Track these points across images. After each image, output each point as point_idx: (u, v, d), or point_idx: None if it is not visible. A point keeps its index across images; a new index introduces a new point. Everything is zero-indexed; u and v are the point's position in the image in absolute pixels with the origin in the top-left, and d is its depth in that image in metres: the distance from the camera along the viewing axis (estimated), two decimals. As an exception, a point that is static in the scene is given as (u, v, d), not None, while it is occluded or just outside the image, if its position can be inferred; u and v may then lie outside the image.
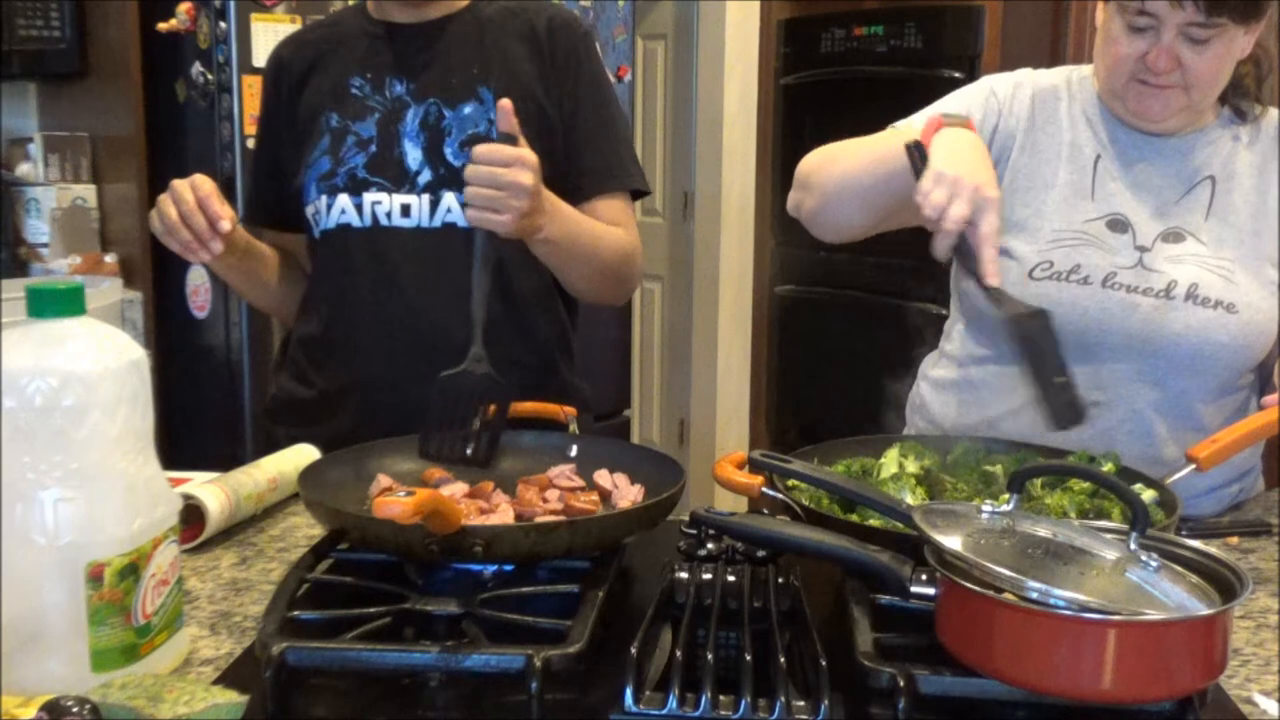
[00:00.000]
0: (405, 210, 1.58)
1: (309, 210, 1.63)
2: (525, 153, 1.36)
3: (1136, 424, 1.47)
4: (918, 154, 1.29)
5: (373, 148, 1.59)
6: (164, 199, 1.45)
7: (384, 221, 1.58)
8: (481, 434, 1.34)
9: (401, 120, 1.59)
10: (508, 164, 1.34)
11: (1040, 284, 1.47)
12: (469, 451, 1.34)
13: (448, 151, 1.58)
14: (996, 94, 1.57)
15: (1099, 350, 1.47)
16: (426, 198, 1.58)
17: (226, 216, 1.44)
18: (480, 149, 1.35)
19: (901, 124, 1.53)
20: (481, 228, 1.35)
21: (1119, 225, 1.49)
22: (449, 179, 1.57)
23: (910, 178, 1.28)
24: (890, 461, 1.31)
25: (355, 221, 1.59)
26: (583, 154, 1.63)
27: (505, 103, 1.36)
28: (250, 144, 2.30)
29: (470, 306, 1.36)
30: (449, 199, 1.57)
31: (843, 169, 1.49)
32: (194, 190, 1.43)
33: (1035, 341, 1.22)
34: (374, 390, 1.61)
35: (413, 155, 1.58)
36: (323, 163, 1.60)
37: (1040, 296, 1.46)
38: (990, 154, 1.53)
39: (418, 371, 1.57)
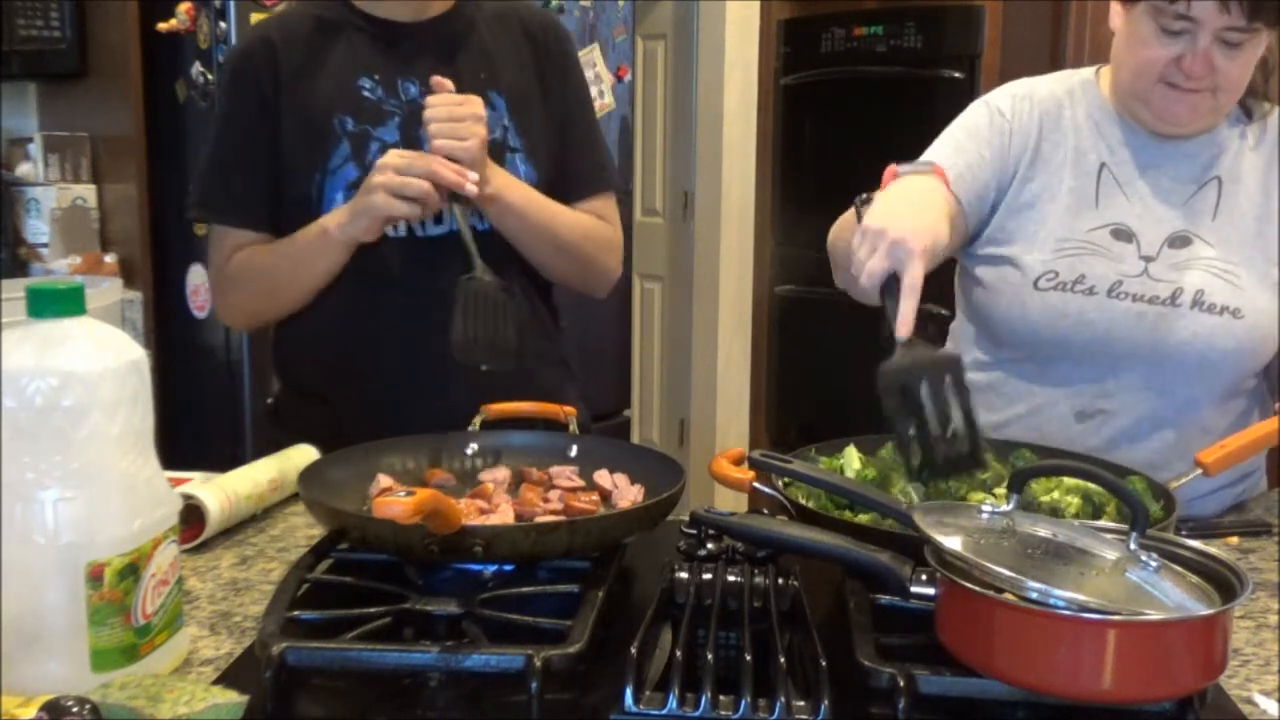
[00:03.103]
0: (438, 217, 1.56)
1: None
2: (470, 95, 1.50)
3: (1144, 432, 1.47)
4: (862, 209, 1.29)
5: None
6: (389, 169, 1.45)
7: (419, 231, 1.56)
8: (507, 331, 1.44)
9: (421, 124, 1.55)
10: (459, 102, 1.48)
11: (1045, 294, 1.47)
12: (503, 349, 1.44)
13: None
14: (1003, 112, 1.55)
15: (1106, 360, 1.46)
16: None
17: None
18: (432, 97, 1.49)
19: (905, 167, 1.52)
20: (453, 162, 1.44)
21: (1123, 234, 1.48)
22: None
23: None
24: (851, 458, 1.31)
25: (390, 231, 1.54)
26: (573, 158, 1.65)
27: (437, 79, 1.50)
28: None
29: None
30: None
31: (845, 242, 1.45)
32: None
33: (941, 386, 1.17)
34: (390, 401, 1.57)
35: None
36: (348, 170, 1.55)
37: (1046, 306, 1.46)
38: (1000, 175, 1.52)
39: (440, 381, 1.54)
